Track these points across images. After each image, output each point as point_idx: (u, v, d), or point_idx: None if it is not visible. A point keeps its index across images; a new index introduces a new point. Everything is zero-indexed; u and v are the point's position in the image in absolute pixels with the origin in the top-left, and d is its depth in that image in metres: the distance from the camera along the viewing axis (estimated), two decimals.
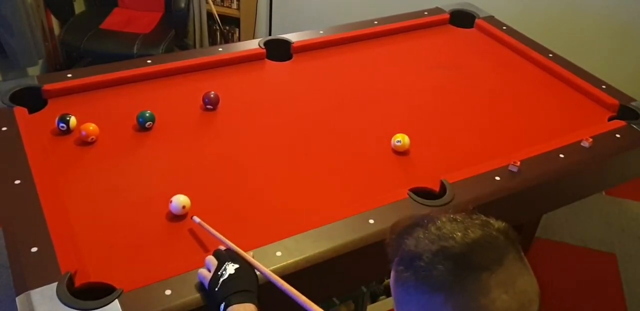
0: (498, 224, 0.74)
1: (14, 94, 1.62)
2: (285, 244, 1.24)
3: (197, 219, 1.28)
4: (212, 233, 1.23)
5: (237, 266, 1.10)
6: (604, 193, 2.84)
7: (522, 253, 0.73)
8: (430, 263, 0.69)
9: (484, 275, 0.68)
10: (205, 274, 1.11)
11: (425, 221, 0.75)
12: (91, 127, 1.52)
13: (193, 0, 3.27)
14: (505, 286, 0.68)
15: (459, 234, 0.71)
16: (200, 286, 1.12)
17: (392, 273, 0.76)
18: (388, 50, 2.09)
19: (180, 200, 1.32)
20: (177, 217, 1.32)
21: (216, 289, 1.06)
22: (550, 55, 2.05)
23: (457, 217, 0.75)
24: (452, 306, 0.68)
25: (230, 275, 1.08)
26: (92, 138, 1.52)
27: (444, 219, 0.74)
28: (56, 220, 1.25)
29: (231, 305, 1.03)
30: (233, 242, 1.18)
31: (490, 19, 2.27)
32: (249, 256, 1.15)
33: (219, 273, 1.08)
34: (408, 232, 0.75)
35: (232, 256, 1.13)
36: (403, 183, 1.45)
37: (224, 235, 1.21)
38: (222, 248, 1.17)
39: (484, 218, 0.75)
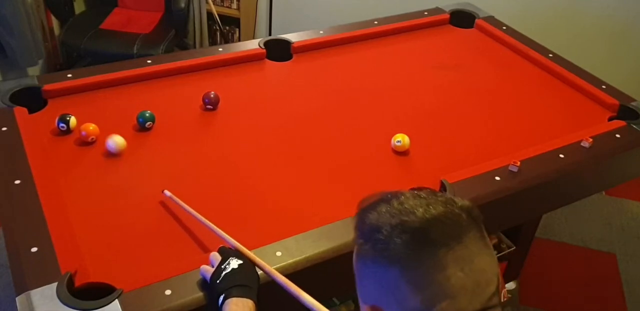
0: (462, 202, 0.74)
1: (14, 94, 1.62)
2: (285, 244, 1.24)
3: (167, 193, 1.32)
4: (184, 207, 1.28)
5: (240, 262, 1.11)
6: (604, 193, 2.85)
7: (485, 233, 0.73)
8: (388, 236, 0.70)
9: (441, 251, 0.68)
10: (208, 269, 1.12)
11: (390, 196, 0.75)
12: (91, 127, 1.52)
13: (193, 0, 3.27)
14: (462, 264, 0.68)
15: (420, 209, 0.71)
16: (202, 282, 1.12)
17: (354, 247, 0.77)
18: (388, 50, 2.09)
19: (115, 140, 1.47)
20: (177, 217, 1.32)
21: (218, 281, 1.06)
22: (550, 55, 2.05)
23: (422, 193, 0.75)
24: (407, 280, 0.69)
25: (233, 269, 1.08)
26: (92, 138, 1.52)
27: (408, 195, 0.75)
28: (56, 220, 1.25)
29: (231, 297, 1.03)
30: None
31: (490, 19, 2.27)
32: (239, 244, 1.17)
33: (222, 266, 1.09)
34: (372, 207, 0.75)
35: (236, 253, 1.14)
36: (403, 183, 1.45)
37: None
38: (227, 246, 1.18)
39: (448, 196, 0.75)
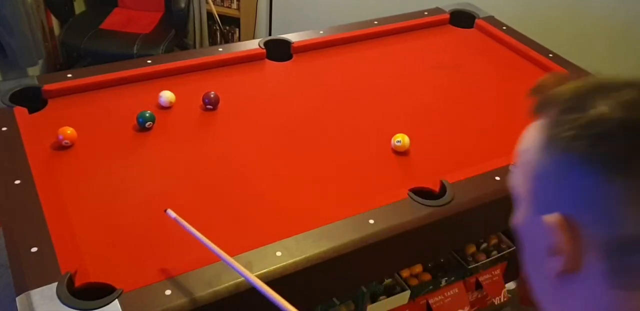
0: None
1: (14, 94, 1.62)
2: (285, 244, 1.24)
3: (172, 214, 1.23)
4: (187, 228, 1.21)
5: None
6: None
7: None
8: (615, 135, 0.50)
9: None
10: None
11: (607, 81, 0.57)
12: (69, 131, 1.49)
13: (193, 0, 3.27)
14: None
15: None
16: None
17: (540, 136, 0.60)
18: (388, 50, 2.09)
19: (167, 95, 1.65)
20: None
21: None
22: (550, 55, 2.05)
23: None
24: (633, 202, 0.49)
25: None
26: (67, 142, 1.49)
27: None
28: (56, 220, 1.25)
29: None
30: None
31: (490, 19, 2.27)
32: (227, 256, 1.12)
33: None
34: (594, 91, 0.55)
35: None
36: (403, 183, 1.45)
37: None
38: None
39: None
